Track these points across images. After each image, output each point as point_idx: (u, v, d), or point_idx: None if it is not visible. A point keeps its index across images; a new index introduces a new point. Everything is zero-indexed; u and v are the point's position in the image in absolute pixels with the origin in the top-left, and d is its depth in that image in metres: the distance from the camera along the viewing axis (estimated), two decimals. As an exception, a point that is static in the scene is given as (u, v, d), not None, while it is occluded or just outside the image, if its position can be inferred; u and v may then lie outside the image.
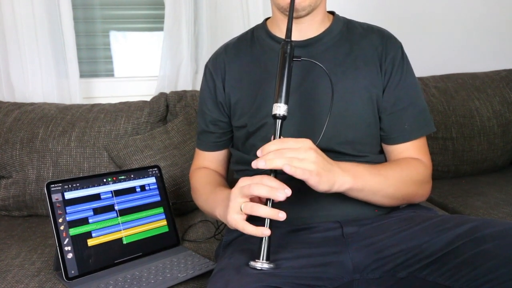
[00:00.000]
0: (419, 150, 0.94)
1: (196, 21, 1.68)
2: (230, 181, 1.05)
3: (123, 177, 1.10)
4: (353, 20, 1.01)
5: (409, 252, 0.79)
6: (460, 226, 0.77)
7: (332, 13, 1.01)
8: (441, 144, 1.60)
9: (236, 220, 0.74)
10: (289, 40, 0.81)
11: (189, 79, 1.69)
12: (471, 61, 1.93)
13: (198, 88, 1.70)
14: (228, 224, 0.78)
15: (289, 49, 0.80)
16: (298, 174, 0.71)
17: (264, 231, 0.71)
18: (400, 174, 0.88)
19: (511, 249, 0.69)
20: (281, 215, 0.71)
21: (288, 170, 0.70)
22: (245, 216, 0.74)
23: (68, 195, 1.01)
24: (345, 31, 0.97)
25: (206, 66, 1.05)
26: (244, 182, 0.74)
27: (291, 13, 0.83)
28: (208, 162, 1.08)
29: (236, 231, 0.90)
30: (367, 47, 0.94)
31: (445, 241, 0.76)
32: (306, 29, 0.95)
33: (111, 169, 1.39)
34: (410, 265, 0.78)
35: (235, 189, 0.75)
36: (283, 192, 0.71)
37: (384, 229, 0.85)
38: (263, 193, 0.71)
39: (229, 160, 1.10)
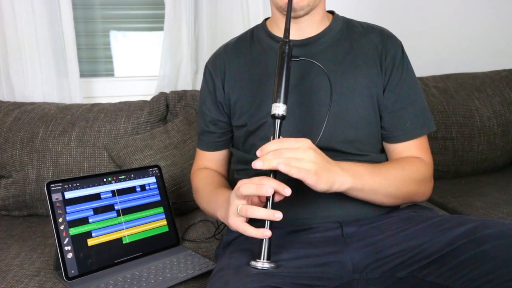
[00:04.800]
0: (421, 148, 0.94)
1: (196, 21, 1.68)
2: (230, 181, 1.05)
3: (123, 176, 1.10)
4: (353, 19, 1.01)
5: (409, 252, 0.79)
6: (460, 227, 0.77)
7: (332, 12, 1.01)
8: (441, 144, 1.60)
9: (237, 223, 0.74)
10: (287, 40, 0.81)
11: (189, 79, 1.69)
12: (471, 61, 1.93)
13: (198, 88, 1.70)
14: (230, 227, 0.78)
15: (288, 49, 0.80)
16: (293, 173, 0.71)
17: (264, 233, 0.71)
18: (401, 173, 0.88)
19: (510, 249, 0.69)
20: (277, 215, 0.70)
21: (283, 169, 0.70)
22: (245, 218, 0.74)
23: (68, 194, 1.01)
24: (345, 30, 0.97)
25: (206, 66, 1.05)
26: (241, 184, 0.74)
27: (289, 13, 0.83)
28: (209, 162, 1.08)
29: (236, 231, 0.90)
30: (367, 46, 0.94)
31: (445, 241, 0.76)
32: (306, 28, 0.95)
33: (111, 169, 1.39)
34: (409, 265, 0.78)
35: (233, 192, 0.75)
36: (269, 187, 0.70)
37: (384, 229, 0.85)
38: (251, 191, 0.71)
39: (230, 159, 1.10)
